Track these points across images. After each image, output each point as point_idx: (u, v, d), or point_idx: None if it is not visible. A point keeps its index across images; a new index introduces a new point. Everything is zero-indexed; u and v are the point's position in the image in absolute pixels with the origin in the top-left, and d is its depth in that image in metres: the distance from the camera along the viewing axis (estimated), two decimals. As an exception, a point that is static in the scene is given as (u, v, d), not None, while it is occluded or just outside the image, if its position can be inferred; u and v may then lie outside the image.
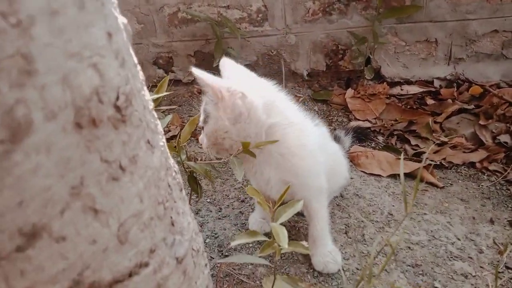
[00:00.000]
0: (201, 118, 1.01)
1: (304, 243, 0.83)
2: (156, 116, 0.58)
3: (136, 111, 0.49)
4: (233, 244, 0.77)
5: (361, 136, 1.65)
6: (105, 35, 0.43)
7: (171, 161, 0.63)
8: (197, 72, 0.91)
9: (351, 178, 1.46)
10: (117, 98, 0.45)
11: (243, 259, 0.86)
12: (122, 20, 0.49)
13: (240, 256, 1.01)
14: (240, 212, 1.37)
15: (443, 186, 1.42)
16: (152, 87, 1.16)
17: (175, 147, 0.99)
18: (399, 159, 1.50)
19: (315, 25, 2.02)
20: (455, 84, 1.96)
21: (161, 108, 1.26)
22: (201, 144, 1.05)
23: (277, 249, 0.76)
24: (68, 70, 0.38)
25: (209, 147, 1.01)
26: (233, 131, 0.95)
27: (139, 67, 0.54)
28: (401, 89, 1.98)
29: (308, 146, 0.99)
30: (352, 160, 1.55)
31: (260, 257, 0.83)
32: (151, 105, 0.57)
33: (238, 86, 0.93)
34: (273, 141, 0.92)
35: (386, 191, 1.41)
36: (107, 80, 0.43)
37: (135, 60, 0.52)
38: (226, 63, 1.06)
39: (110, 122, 0.44)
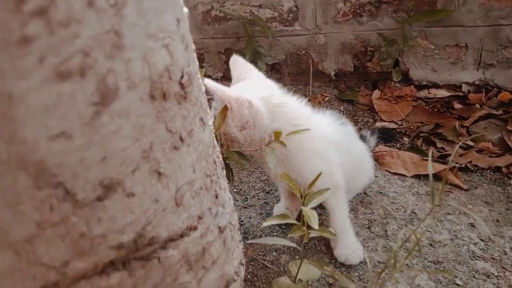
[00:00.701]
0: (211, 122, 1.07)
1: (331, 229, 0.87)
2: (206, 98, 0.64)
3: (194, 91, 0.55)
4: (264, 224, 0.82)
5: (387, 136, 1.67)
6: (175, 21, 0.49)
7: (215, 141, 0.69)
8: (210, 84, 0.93)
9: (375, 177, 1.48)
10: (182, 77, 0.51)
11: (272, 241, 0.91)
12: (185, 9, 0.55)
13: (269, 238, 1.06)
14: (265, 202, 1.42)
15: (468, 188, 1.43)
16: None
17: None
18: (424, 160, 1.52)
19: (345, 26, 2.05)
20: (483, 89, 1.94)
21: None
22: None
23: (306, 232, 0.81)
24: (147, 48, 0.44)
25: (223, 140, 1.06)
26: (240, 136, 1.00)
27: (195, 53, 0.59)
28: (429, 93, 1.98)
29: (311, 149, 1.02)
30: (377, 159, 1.57)
31: (288, 240, 0.87)
32: (204, 87, 0.62)
33: (244, 94, 0.96)
34: (280, 141, 0.94)
35: (410, 191, 1.43)
36: (175, 60, 0.49)
37: (193, 45, 0.58)
38: (236, 62, 1.09)
39: (175, 97, 0.50)
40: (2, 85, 0.33)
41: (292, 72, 2.24)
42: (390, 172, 1.51)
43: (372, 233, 1.24)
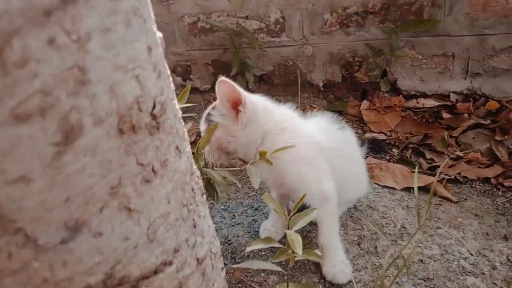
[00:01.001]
0: (203, 128, 1.08)
1: (317, 251, 0.85)
2: (183, 123, 0.63)
3: (169, 119, 0.54)
4: (248, 249, 0.80)
5: (376, 147, 1.67)
6: (146, 49, 0.48)
7: (195, 166, 0.67)
8: (228, 80, 0.98)
9: (365, 190, 1.48)
10: (154, 107, 0.49)
11: (257, 265, 0.89)
12: (159, 34, 0.54)
13: (254, 262, 1.04)
14: (254, 220, 1.40)
15: (458, 201, 1.43)
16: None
17: (193, 153, 1.04)
18: (414, 172, 1.52)
19: (332, 36, 2.06)
20: (471, 98, 1.97)
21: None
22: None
23: (291, 256, 0.79)
24: (115, 81, 0.43)
25: (210, 153, 1.08)
26: (241, 135, 1.06)
27: (171, 78, 0.58)
28: (417, 102, 2.00)
29: (295, 153, 1.02)
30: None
31: (273, 263, 0.86)
32: (180, 114, 0.61)
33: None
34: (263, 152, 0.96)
35: (399, 204, 1.42)
36: (146, 90, 0.47)
37: (168, 71, 0.57)
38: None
39: (146, 129, 0.48)
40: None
41: (280, 83, 2.24)
42: (379, 185, 1.51)
43: (362, 249, 1.23)
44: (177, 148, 0.57)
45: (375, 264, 1.17)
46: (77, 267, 0.43)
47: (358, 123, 1.99)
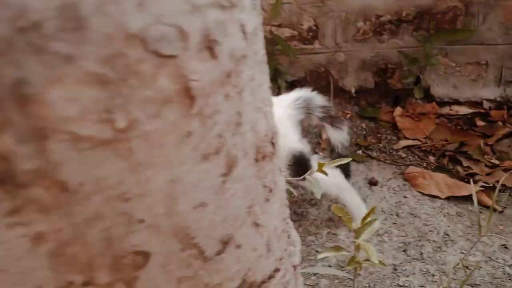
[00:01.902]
0: None
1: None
2: (278, 146, 0.73)
3: (277, 144, 0.64)
4: (320, 257, 0.90)
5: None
6: (268, 89, 0.58)
7: (282, 182, 0.78)
8: None
9: (405, 198, 1.57)
10: (272, 136, 0.60)
11: (325, 270, 0.99)
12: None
13: (322, 268, 1.14)
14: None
15: (502, 210, 1.51)
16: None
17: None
18: (456, 180, 1.60)
19: (365, 44, 2.15)
20: (505, 106, 2.04)
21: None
22: None
23: (360, 264, 0.89)
24: (255, 119, 0.53)
25: None
26: None
27: (273, 108, 0.68)
28: (450, 109, 2.08)
29: None
30: (409, 180, 1.66)
31: (339, 270, 0.96)
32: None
33: None
34: None
35: (440, 212, 1.51)
36: (270, 123, 0.58)
37: (273, 102, 0.67)
38: None
39: (269, 156, 0.59)
40: (169, 172, 0.41)
41: (312, 89, 2.33)
42: (422, 193, 1.60)
43: (408, 256, 1.32)
44: (279, 169, 0.67)
45: (421, 270, 1.27)
46: (225, 274, 0.53)
47: (392, 129, 2.08)
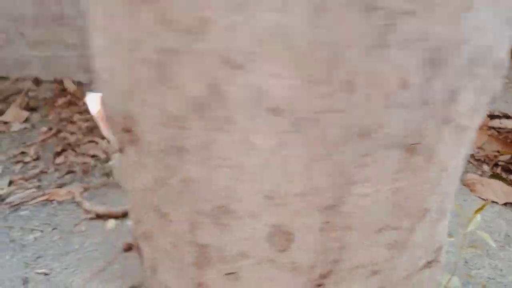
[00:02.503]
0: None
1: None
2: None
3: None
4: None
5: None
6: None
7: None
8: None
9: (465, 201, 1.79)
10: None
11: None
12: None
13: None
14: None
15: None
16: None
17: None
18: (514, 189, 1.82)
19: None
20: (551, 123, 2.25)
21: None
22: None
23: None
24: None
25: None
26: None
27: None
28: (500, 123, 2.28)
29: None
30: (468, 186, 1.87)
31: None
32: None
33: None
34: None
35: (499, 216, 1.73)
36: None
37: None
38: None
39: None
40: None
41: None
42: (481, 198, 1.81)
43: (475, 252, 1.54)
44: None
45: (490, 264, 1.48)
46: (419, 252, 0.74)
47: (445, 138, 2.28)
